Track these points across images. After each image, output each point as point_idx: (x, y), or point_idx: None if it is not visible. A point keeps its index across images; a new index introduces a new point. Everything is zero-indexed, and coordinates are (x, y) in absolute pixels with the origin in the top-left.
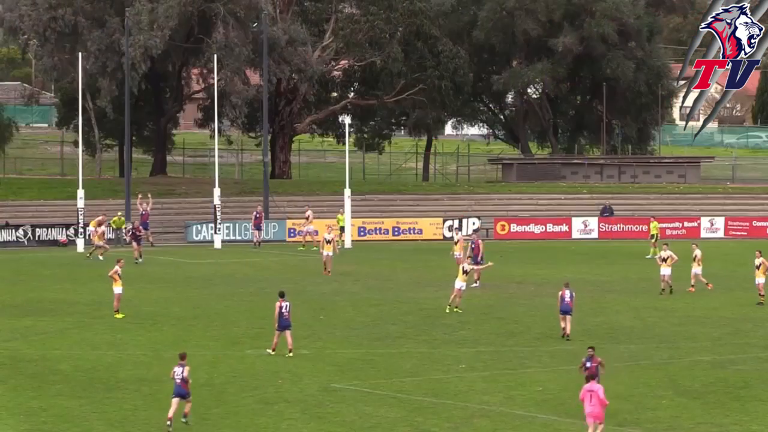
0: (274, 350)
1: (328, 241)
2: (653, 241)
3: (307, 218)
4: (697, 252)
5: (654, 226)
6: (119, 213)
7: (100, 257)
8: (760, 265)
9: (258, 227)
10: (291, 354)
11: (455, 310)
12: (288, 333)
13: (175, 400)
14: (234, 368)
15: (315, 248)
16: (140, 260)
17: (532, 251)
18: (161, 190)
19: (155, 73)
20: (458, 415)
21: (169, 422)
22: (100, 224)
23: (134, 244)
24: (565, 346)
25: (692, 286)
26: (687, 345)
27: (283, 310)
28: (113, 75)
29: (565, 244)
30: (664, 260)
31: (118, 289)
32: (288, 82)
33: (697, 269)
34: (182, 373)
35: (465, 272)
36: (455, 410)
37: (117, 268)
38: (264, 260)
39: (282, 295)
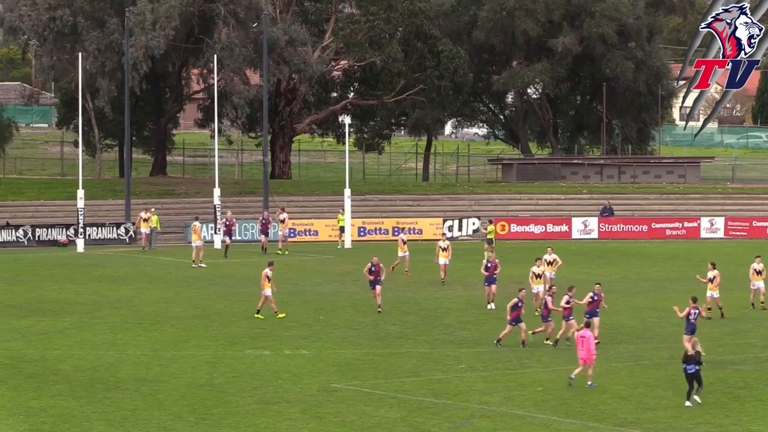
0: None
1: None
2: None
3: (282, 221)
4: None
5: (491, 230)
6: (228, 212)
7: (202, 264)
8: (761, 270)
9: (265, 232)
10: None
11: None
12: None
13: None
14: (234, 368)
15: (279, 251)
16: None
17: (532, 251)
18: (161, 190)
19: (155, 73)
20: (458, 415)
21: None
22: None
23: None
24: (564, 346)
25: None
26: None
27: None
28: (112, 75)
29: (565, 244)
30: (759, 273)
31: (267, 291)
32: (288, 82)
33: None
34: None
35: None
36: (455, 410)
37: (267, 270)
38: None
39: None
